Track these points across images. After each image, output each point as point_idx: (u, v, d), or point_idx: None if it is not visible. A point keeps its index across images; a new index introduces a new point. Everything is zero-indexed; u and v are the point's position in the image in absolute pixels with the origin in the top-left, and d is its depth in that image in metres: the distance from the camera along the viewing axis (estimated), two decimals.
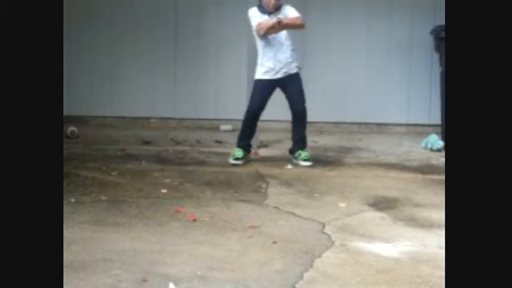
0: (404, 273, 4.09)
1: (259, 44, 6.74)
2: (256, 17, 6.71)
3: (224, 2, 8.58)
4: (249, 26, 6.79)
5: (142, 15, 8.68)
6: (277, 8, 6.70)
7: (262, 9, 6.73)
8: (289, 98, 6.79)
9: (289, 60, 6.74)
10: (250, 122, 6.80)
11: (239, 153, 6.77)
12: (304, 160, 6.77)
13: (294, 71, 6.77)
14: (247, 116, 6.79)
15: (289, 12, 6.73)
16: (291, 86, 6.75)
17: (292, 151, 6.90)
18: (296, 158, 6.82)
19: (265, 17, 6.69)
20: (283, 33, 6.72)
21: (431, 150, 7.54)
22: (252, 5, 7.23)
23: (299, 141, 6.87)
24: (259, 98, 6.72)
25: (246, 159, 6.82)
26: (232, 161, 6.74)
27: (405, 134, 8.53)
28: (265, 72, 6.72)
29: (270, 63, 6.69)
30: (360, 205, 5.49)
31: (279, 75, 6.72)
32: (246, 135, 6.84)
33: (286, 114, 6.89)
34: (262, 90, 6.73)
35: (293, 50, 6.80)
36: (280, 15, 6.67)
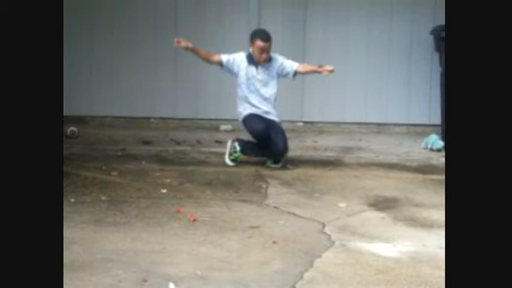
0: (404, 273, 4.09)
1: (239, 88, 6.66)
2: (240, 63, 6.58)
3: (224, 2, 8.58)
4: (233, 59, 6.62)
5: (142, 15, 8.67)
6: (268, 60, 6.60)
7: (251, 59, 6.60)
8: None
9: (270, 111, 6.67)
10: (262, 141, 6.59)
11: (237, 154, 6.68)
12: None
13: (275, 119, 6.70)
14: (257, 137, 6.58)
15: (284, 62, 6.64)
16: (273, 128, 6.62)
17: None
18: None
19: (252, 69, 6.58)
20: (273, 92, 6.64)
21: (431, 150, 7.54)
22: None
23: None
24: (257, 121, 6.57)
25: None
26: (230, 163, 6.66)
27: (405, 134, 8.53)
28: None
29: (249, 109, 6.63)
30: (360, 205, 5.49)
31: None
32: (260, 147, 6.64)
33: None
34: (257, 117, 6.60)
35: (275, 107, 6.72)
36: (272, 69, 6.59)
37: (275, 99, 6.73)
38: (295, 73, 6.72)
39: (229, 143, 6.74)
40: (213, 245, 4.48)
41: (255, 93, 6.62)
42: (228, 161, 6.69)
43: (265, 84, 6.63)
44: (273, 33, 7.05)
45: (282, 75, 6.70)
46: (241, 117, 6.72)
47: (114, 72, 8.67)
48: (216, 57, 6.67)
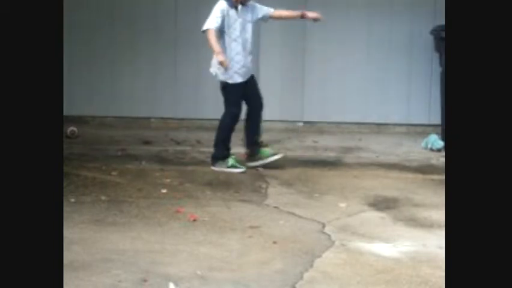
0: (404, 273, 4.10)
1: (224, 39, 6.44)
2: (218, 12, 6.33)
3: None
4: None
5: (142, 15, 8.67)
6: (246, 2, 6.48)
7: (231, 3, 6.44)
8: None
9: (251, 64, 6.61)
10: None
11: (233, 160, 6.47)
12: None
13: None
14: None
15: (260, 11, 6.60)
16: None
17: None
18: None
19: (232, 12, 6.40)
20: (249, 37, 6.53)
21: (431, 150, 7.54)
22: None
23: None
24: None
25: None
26: (239, 170, 6.39)
27: (405, 134, 8.52)
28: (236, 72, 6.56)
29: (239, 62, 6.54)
30: (360, 205, 5.49)
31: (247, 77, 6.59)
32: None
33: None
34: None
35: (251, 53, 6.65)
36: (249, 13, 6.50)
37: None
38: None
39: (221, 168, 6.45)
40: (213, 245, 4.48)
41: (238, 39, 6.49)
42: (235, 170, 6.42)
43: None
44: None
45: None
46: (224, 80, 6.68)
47: (114, 72, 8.67)
48: (215, 37, 6.38)
